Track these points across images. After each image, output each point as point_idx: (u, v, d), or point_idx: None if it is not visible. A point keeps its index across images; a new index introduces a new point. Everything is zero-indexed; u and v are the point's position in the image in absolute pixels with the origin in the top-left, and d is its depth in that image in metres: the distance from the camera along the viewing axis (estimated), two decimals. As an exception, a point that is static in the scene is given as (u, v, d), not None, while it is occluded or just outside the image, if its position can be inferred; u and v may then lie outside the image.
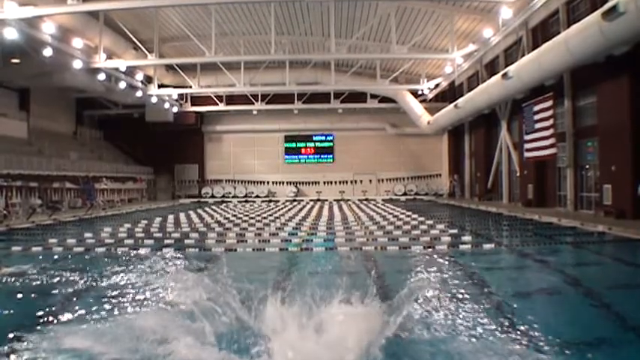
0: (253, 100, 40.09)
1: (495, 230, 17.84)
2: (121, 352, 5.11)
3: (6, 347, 5.41)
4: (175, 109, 40.37)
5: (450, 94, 37.39)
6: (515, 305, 7.21)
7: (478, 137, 35.41)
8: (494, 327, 6.06)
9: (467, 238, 14.67)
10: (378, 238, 15.19)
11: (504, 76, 22.85)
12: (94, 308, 6.98)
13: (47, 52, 23.30)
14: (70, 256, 12.27)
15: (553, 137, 21.90)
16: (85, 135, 40.17)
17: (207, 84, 36.72)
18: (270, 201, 39.61)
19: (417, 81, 35.76)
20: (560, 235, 15.27)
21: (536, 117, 23.09)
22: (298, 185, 43.71)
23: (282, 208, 29.54)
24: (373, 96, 40.17)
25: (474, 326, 6.09)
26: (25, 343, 5.47)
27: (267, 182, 43.97)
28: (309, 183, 44.03)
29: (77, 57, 25.12)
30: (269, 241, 14.94)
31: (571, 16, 21.11)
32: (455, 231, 16.23)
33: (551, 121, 21.96)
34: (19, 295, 8.30)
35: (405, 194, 41.89)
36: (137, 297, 7.70)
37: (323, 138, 44.20)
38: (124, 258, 11.71)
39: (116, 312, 6.79)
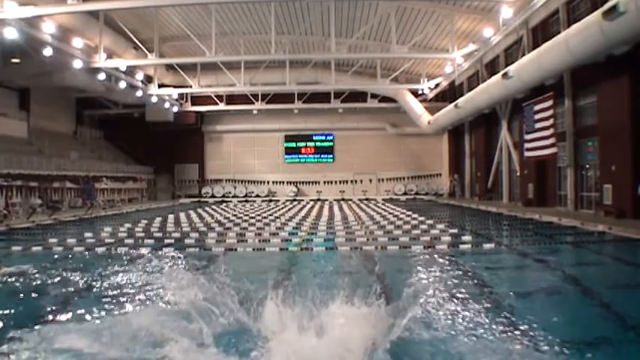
0: (253, 100, 40.09)
1: (495, 230, 17.84)
2: (118, 352, 5.10)
3: (5, 347, 5.40)
4: (175, 109, 40.38)
5: (451, 93, 37.39)
6: (515, 305, 7.20)
7: (478, 137, 35.41)
8: (494, 327, 6.05)
9: (467, 237, 14.67)
10: (379, 237, 15.18)
11: (505, 75, 22.84)
12: (92, 308, 6.96)
13: (47, 51, 23.29)
14: (70, 256, 12.28)
15: (553, 137, 21.90)
16: (85, 135, 40.17)
17: (207, 84, 36.72)
18: (270, 201, 39.61)
19: (417, 81, 35.74)
20: (561, 235, 15.27)
21: (537, 116, 23.09)
22: (298, 185, 43.71)
23: (282, 208, 29.54)
24: (373, 95, 40.18)
25: (474, 326, 6.08)
26: (24, 343, 5.47)
27: (268, 182, 43.98)
28: (309, 183, 44.03)
29: (77, 57, 25.12)
30: (269, 240, 14.94)
31: (571, 15, 21.10)
32: (455, 231, 16.23)
33: (551, 121, 21.95)
34: (19, 295, 8.30)
35: (405, 194, 41.89)
36: (136, 297, 7.69)
37: (323, 138, 44.19)
38: (124, 258, 11.71)
39: (115, 312, 6.78)
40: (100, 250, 12.96)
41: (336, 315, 5.43)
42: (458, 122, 35.54)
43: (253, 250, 13.28)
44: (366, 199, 38.85)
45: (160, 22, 27.70)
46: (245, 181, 44.03)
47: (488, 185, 32.95)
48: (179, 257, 11.90)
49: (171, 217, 23.10)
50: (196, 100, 41.70)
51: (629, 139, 17.80)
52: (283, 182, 43.92)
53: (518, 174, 28.21)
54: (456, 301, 7.39)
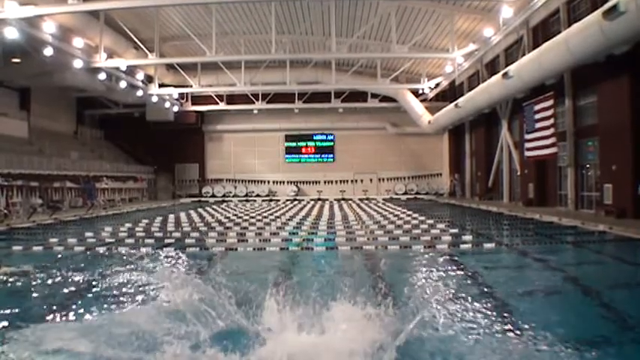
0: (254, 100, 40.08)
1: (496, 229, 17.83)
2: (114, 352, 5.11)
3: (5, 346, 5.41)
4: (176, 109, 40.39)
5: (451, 93, 37.38)
6: (515, 304, 7.21)
7: (479, 136, 35.40)
8: (494, 326, 6.06)
9: (467, 237, 14.67)
10: (379, 237, 15.18)
11: (505, 75, 22.84)
12: (92, 308, 6.97)
13: (48, 51, 23.31)
14: (70, 256, 12.29)
15: (554, 136, 21.89)
16: (86, 134, 40.20)
17: (207, 83, 36.73)
18: (270, 200, 39.62)
19: (417, 80, 35.72)
20: (561, 235, 15.27)
21: (537, 116, 23.08)
22: (299, 184, 43.73)
23: (282, 208, 29.55)
24: (374, 95, 40.17)
25: (474, 326, 6.08)
26: (22, 342, 5.47)
27: (268, 182, 43.99)
28: (309, 182, 44.04)
29: (78, 56, 25.14)
30: (270, 240, 14.94)
31: (571, 15, 21.09)
32: (455, 230, 16.23)
33: (551, 121, 21.95)
34: (19, 295, 8.32)
35: (405, 193, 41.90)
36: (135, 297, 7.68)
37: (323, 137, 44.20)
38: (124, 257, 11.72)
39: (113, 312, 6.78)
40: (101, 249, 12.97)
41: (339, 316, 5.42)
42: (458, 122, 35.54)
43: (254, 249, 13.29)
44: (367, 199, 38.85)
45: (161, 22, 27.71)
46: (245, 181, 44.05)
47: (489, 185, 32.94)
48: (179, 257, 11.92)
49: (171, 216, 23.11)
50: (197, 99, 41.72)
51: (629, 138, 17.80)
52: (284, 182, 43.94)
53: (518, 174, 28.21)
54: (456, 300, 7.39)
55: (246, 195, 42.73)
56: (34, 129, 31.26)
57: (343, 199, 39.53)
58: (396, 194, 41.93)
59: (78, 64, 25.50)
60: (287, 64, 32.21)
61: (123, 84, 31.19)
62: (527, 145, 24.41)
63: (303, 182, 44.02)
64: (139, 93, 33.60)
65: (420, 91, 37.21)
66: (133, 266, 10.43)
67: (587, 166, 21.73)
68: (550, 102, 22.11)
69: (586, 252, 12.78)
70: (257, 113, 41.55)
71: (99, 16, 24.85)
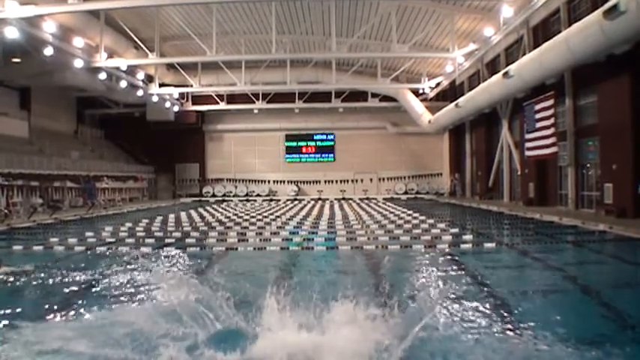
0: (254, 99, 40.07)
1: (496, 229, 17.82)
2: (111, 353, 5.12)
3: (5, 346, 5.41)
4: (176, 108, 40.39)
5: (451, 93, 37.36)
6: (515, 304, 7.21)
7: (479, 136, 35.40)
8: (494, 326, 6.07)
9: (468, 237, 14.67)
10: (379, 237, 15.18)
11: (505, 75, 22.83)
12: (91, 308, 6.97)
13: (48, 51, 23.30)
14: (70, 255, 12.30)
15: (554, 136, 21.88)
16: (86, 134, 40.22)
17: (208, 83, 36.73)
18: (271, 200, 39.61)
19: (417, 80, 35.73)
20: (562, 234, 15.27)
21: (537, 116, 23.07)
22: (299, 184, 43.74)
23: (283, 207, 29.56)
24: (374, 95, 40.16)
25: (475, 325, 6.09)
26: (23, 342, 5.48)
27: (268, 181, 43.99)
28: (310, 182, 44.04)
29: (78, 56, 25.14)
30: (270, 240, 14.95)
31: (572, 15, 21.08)
32: (456, 230, 16.22)
33: (552, 120, 21.93)
34: (19, 294, 8.32)
35: (406, 193, 41.90)
36: (134, 297, 7.68)
37: (324, 137, 44.20)
38: (124, 257, 11.72)
39: (112, 313, 6.77)
40: (101, 249, 12.98)
41: (340, 316, 5.41)
42: (458, 121, 35.53)
43: (254, 249, 13.29)
44: (367, 199, 38.85)
45: (161, 22, 27.70)
46: (246, 181, 44.05)
47: (489, 184, 32.94)
48: (180, 256, 11.92)
49: (172, 216, 23.11)
50: (197, 99, 41.73)
51: (629, 138, 17.80)
52: (284, 182, 43.94)
53: (519, 173, 28.21)
54: (456, 300, 7.40)
55: (247, 195, 42.73)
56: (34, 129, 31.26)
57: (343, 198, 39.53)
58: (397, 194, 41.93)
59: (78, 63, 25.51)
60: (287, 64, 32.20)
61: (123, 84, 31.19)
62: (528, 144, 24.40)
63: (304, 182, 44.03)
64: (140, 93, 33.60)
65: (421, 91, 37.21)
66: (132, 266, 10.44)
67: (588, 165, 21.73)
68: (550, 101, 22.10)
69: (586, 251, 12.77)
70: (257, 113, 41.55)
71: (99, 15, 24.85)
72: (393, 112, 41.50)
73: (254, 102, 40.12)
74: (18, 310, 7.03)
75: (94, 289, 8.47)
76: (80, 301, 7.50)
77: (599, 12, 15.11)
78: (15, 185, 24.09)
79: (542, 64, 19.63)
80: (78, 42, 24.78)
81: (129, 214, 26.52)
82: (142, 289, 8.14)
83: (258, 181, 44.08)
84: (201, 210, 27.65)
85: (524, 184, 26.96)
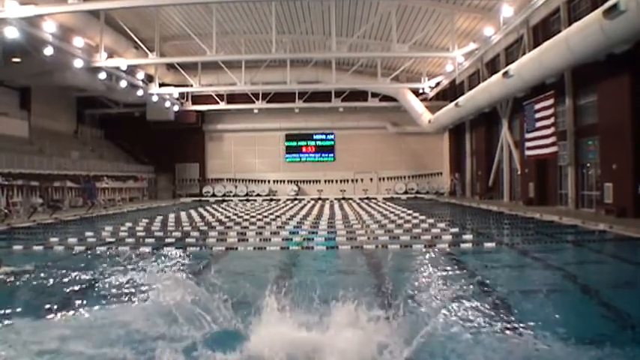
0: (254, 99, 40.07)
1: (496, 229, 17.82)
2: (108, 352, 5.12)
3: (4, 345, 5.41)
4: (176, 108, 40.39)
5: (451, 92, 37.36)
6: (515, 303, 7.21)
7: (479, 136, 35.40)
8: (495, 325, 6.06)
9: (468, 236, 14.66)
10: (379, 236, 15.18)
11: (505, 74, 22.82)
12: (90, 308, 6.96)
13: (48, 51, 23.31)
14: (70, 255, 12.30)
15: (554, 136, 21.88)
16: (86, 134, 40.22)
17: (208, 83, 36.72)
18: (271, 200, 39.61)
19: (417, 79, 35.72)
20: (562, 234, 15.27)
21: (537, 115, 23.07)
22: (299, 184, 43.74)
23: (283, 207, 29.56)
24: (374, 94, 40.16)
25: (476, 324, 6.09)
26: (22, 341, 5.48)
27: (268, 181, 43.99)
28: (310, 182, 44.05)
29: (78, 56, 25.14)
30: (270, 239, 14.95)
31: (572, 14, 21.07)
32: (456, 229, 16.22)
33: (552, 120, 21.93)
34: (19, 294, 8.32)
35: (406, 193, 41.90)
36: (133, 298, 7.67)
37: (324, 137, 44.21)
38: (124, 257, 11.70)
39: (111, 313, 6.76)
40: (101, 249, 12.98)
41: (341, 316, 5.40)
42: (458, 121, 35.52)
43: (254, 249, 13.28)
44: (367, 198, 38.85)
45: (161, 22, 27.70)
46: (246, 180, 44.05)
47: (489, 184, 32.94)
48: (180, 256, 11.92)
49: (172, 216, 23.12)
50: (197, 99, 41.73)
51: (629, 137, 17.79)
52: (284, 181, 43.95)
53: (519, 173, 28.20)
54: (456, 299, 7.40)
55: (247, 194, 42.73)
56: (34, 128, 31.26)
57: (343, 198, 39.52)
58: (397, 193, 41.94)
59: (78, 63, 25.51)
60: (287, 64, 32.20)
61: (123, 83, 31.20)
62: (528, 144, 24.40)
63: (304, 182, 44.04)
64: (140, 92, 33.60)
65: (421, 91, 37.21)
66: (132, 266, 10.44)
67: (588, 165, 21.72)
68: (550, 101, 22.09)
69: (586, 251, 12.78)
70: (257, 113, 41.57)
71: (99, 15, 24.84)
72: (393, 112, 41.50)
73: (254, 102, 40.12)
74: (17, 310, 7.02)
75: (93, 289, 8.46)
76: (79, 302, 7.48)
77: (599, 11, 15.10)
78: (15, 185, 24.09)
79: (542, 63, 19.62)
80: (78, 42, 24.78)
81: (129, 213, 26.52)
82: (140, 289, 8.11)
83: (258, 181, 44.08)
84: (201, 210, 27.65)
85: (524, 184, 26.96)
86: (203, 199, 41.32)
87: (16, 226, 18.93)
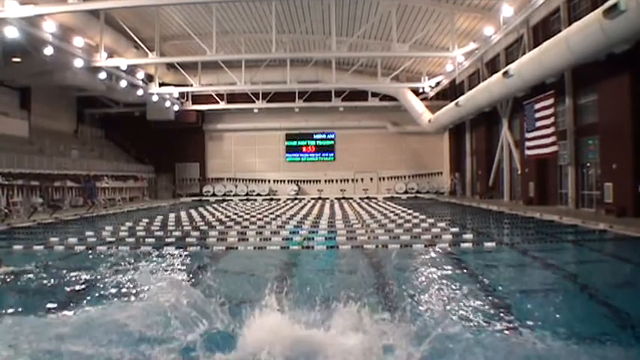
0: (254, 99, 40.09)
1: (496, 228, 17.84)
2: (112, 352, 5.13)
3: (4, 345, 5.41)
4: (176, 108, 40.40)
5: (451, 92, 37.38)
6: (516, 303, 7.22)
7: (479, 135, 35.40)
8: (494, 324, 6.07)
9: (468, 236, 14.66)
10: (380, 236, 15.18)
11: (505, 74, 22.82)
12: (89, 308, 6.95)
13: (48, 50, 23.32)
14: (70, 255, 12.31)
15: (554, 135, 21.87)
16: (86, 133, 40.23)
17: (208, 82, 36.72)
18: (271, 199, 39.60)
19: (418, 79, 35.73)
20: (562, 234, 15.26)
21: (538, 115, 23.06)
22: (299, 183, 43.75)
23: (283, 207, 29.55)
24: (374, 94, 40.17)
25: (475, 324, 6.09)
26: (21, 341, 5.48)
27: (269, 181, 43.98)
28: (310, 181, 44.05)
29: (78, 56, 25.16)
30: (270, 239, 14.95)
31: (572, 14, 21.06)
32: (456, 229, 16.21)
33: (552, 119, 21.93)
34: (18, 294, 8.33)
35: (406, 192, 41.89)
36: (134, 297, 7.66)
37: (324, 136, 44.21)
38: (124, 257, 11.72)
39: (110, 313, 6.76)
40: (101, 248, 12.98)
41: (341, 315, 5.40)
42: (459, 121, 35.51)
43: (254, 248, 13.29)
44: (367, 198, 38.86)
45: (161, 21, 27.70)
46: (246, 180, 44.05)
47: (489, 184, 32.95)
48: (180, 256, 11.93)
49: (172, 215, 23.13)
50: (197, 98, 41.74)
51: (629, 137, 17.79)
52: (284, 181, 43.95)
53: (519, 172, 28.20)
54: (456, 299, 7.41)
55: (247, 194, 42.74)
56: (34, 128, 31.26)
57: (344, 198, 39.53)
58: (397, 193, 41.94)
59: (78, 63, 25.53)
60: (287, 63, 32.18)
61: (123, 83, 31.22)
62: (528, 143, 24.39)
63: (304, 181, 44.05)
64: (140, 92, 33.62)
65: (421, 90, 37.21)
66: (132, 266, 10.44)
67: (588, 164, 21.72)
68: (550, 101, 22.09)
69: (586, 251, 12.78)
70: (257, 112, 41.60)
71: (99, 15, 24.85)
72: (393, 112, 41.50)
73: (254, 101, 40.15)
74: (17, 309, 7.03)
75: (93, 289, 8.46)
76: (79, 301, 7.49)
77: (599, 11, 15.11)
78: (15, 185, 24.10)
79: (542, 63, 19.63)
80: (78, 42, 24.79)
81: (129, 213, 26.53)
82: (140, 289, 8.13)
83: (259, 181, 44.08)
84: (201, 209, 27.65)
85: (525, 184, 26.96)
86: (203, 198, 41.34)
87: (17, 226, 18.93)
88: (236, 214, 24.44)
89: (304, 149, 44.30)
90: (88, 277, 9.35)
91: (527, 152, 24.73)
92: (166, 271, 9.98)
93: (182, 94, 39.89)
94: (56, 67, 26.90)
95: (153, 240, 14.65)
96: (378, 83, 35.26)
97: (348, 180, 43.78)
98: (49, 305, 7.26)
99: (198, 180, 44.24)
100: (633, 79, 17.64)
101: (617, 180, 18.58)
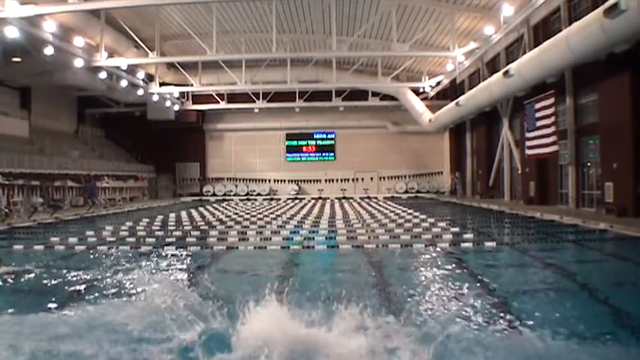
0: (254, 98, 40.10)
1: (497, 228, 17.83)
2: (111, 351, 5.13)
3: (4, 344, 5.42)
4: (177, 108, 40.39)
5: (452, 91, 37.37)
6: (516, 303, 7.22)
7: (479, 135, 35.39)
8: (495, 324, 6.07)
9: (468, 235, 14.66)
10: (380, 235, 15.18)
11: (506, 73, 22.81)
12: (89, 308, 6.95)
13: (48, 50, 23.32)
14: (71, 255, 12.31)
15: (554, 135, 21.85)
16: (87, 133, 40.24)
17: (208, 82, 36.72)
18: (271, 199, 39.62)
19: (418, 79, 35.72)
20: (562, 233, 15.25)
21: (538, 114, 23.04)
22: (300, 183, 43.75)
23: (283, 207, 29.56)
24: (374, 94, 40.15)
25: (475, 323, 6.09)
26: (21, 340, 5.48)
27: (269, 180, 43.97)
28: (310, 181, 44.05)
29: (78, 55, 25.16)
30: (270, 239, 14.95)
31: (572, 13, 21.05)
32: (456, 229, 16.20)
33: (552, 119, 21.91)
34: (18, 294, 8.34)
35: (406, 192, 41.89)
36: (133, 297, 7.65)
37: (324, 136, 44.20)
38: (124, 257, 11.73)
39: (110, 313, 6.76)
40: (102, 248, 12.98)
41: (341, 315, 5.39)
42: (459, 120, 35.50)
43: (254, 248, 13.29)
44: (368, 198, 38.89)
45: (161, 21, 27.71)
46: (246, 180, 44.05)
47: (490, 183, 32.94)
48: (180, 256, 11.93)
49: (172, 215, 23.13)
50: (197, 98, 41.74)
51: (630, 136, 17.78)
52: (284, 181, 43.95)
53: (519, 172, 28.19)
54: (456, 298, 7.41)
55: (247, 194, 42.75)
56: (34, 128, 31.27)
57: (344, 197, 39.54)
58: (397, 193, 41.94)
59: (79, 63, 25.53)
60: (288, 63, 32.18)
61: (124, 83, 31.23)
62: (528, 143, 24.37)
63: (304, 181, 44.04)
64: (140, 92, 33.63)
65: (421, 90, 37.19)
66: (132, 266, 10.45)
67: (588, 164, 21.71)
68: (551, 100, 22.07)
69: (587, 250, 12.78)
70: (258, 112, 41.61)
71: (99, 15, 24.86)
72: (393, 111, 41.50)
73: (254, 101, 40.15)
74: (17, 309, 7.03)
75: (93, 289, 8.45)
76: (79, 301, 7.49)
77: (599, 10, 15.09)
78: (15, 185, 24.09)
79: (543, 62, 19.62)
80: (78, 41, 24.79)
81: (129, 213, 26.54)
82: (139, 289, 8.12)
83: (259, 180, 44.07)
84: (201, 209, 27.66)
85: (525, 183, 26.95)
86: (203, 198, 41.36)
87: (17, 226, 18.94)
88: (236, 213, 24.44)
89: (304, 149, 44.30)
90: (88, 276, 9.35)
91: (528, 152, 24.71)
92: (166, 270, 9.99)
93: (182, 94, 39.90)
94: (56, 67, 26.90)
95: (153, 240, 14.66)
96: (378, 83, 35.27)
97: (348, 180, 43.77)
98: (50, 305, 7.26)
99: (198, 180, 44.25)
100: (633, 79, 17.62)
101: (617, 180, 18.57)
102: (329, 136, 44.14)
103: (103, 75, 29.25)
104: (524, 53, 22.93)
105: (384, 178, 43.62)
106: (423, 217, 20.27)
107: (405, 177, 43.36)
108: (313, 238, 14.93)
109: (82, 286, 8.60)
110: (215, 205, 31.88)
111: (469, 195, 37.14)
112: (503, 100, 27.95)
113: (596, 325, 6.22)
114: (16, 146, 26.74)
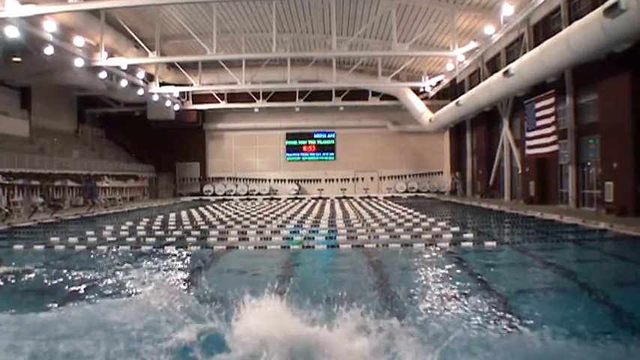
0: (255, 98, 40.09)
1: (497, 227, 17.83)
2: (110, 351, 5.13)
3: (4, 344, 5.42)
4: (177, 107, 40.39)
5: (452, 91, 37.36)
6: (516, 302, 7.22)
7: (480, 134, 35.38)
8: (495, 323, 6.07)
9: (469, 235, 14.66)
10: (380, 235, 15.19)
11: (506, 73, 22.80)
12: (88, 308, 6.95)
13: (48, 50, 23.33)
14: (71, 255, 12.31)
15: (555, 134, 21.84)
16: (87, 133, 40.24)
17: (208, 82, 36.71)
18: (271, 199, 39.62)
19: (418, 78, 35.71)
20: (562, 233, 15.26)
21: (538, 114, 23.03)
22: (300, 183, 43.75)
23: (283, 206, 29.56)
24: (375, 93, 40.14)
25: (475, 323, 6.09)
26: (20, 340, 5.48)
27: (269, 180, 43.96)
28: (310, 181, 44.04)
29: (78, 55, 25.16)
30: (270, 238, 14.95)
31: (572, 13, 21.04)
32: (457, 228, 16.20)
33: (552, 119, 21.90)
34: (18, 293, 8.33)
35: (406, 192, 41.89)
36: (133, 296, 7.64)
37: (324, 136, 44.19)
38: (124, 256, 11.73)
39: (109, 313, 6.75)
40: (102, 248, 12.99)
41: (342, 315, 5.39)
42: (459, 120, 35.49)
43: (255, 248, 13.29)
44: (368, 197, 38.88)
45: (161, 21, 27.71)
46: (246, 179, 44.06)
47: (490, 183, 32.93)
48: (180, 255, 11.93)
49: (172, 215, 23.13)
50: (198, 98, 41.73)
51: (630, 136, 17.78)
52: (285, 180, 43.94)
53: (519, 172, 28.19)
54: (456, 298, 7.40)
55: (247, 193, 42.76)
56: (35, 128, 31.28)
57: (344, 197, 39.55)
58: (397, 192, 41.94)
59: (79, 62, 25.53)
60: (288, 63, 32.16)
61: (124, 83, 31.23)
62: (529, 143, 24.37)
63: (304, 180, 44.04)
64: (140, 92, 33.64)
65: (421, 89, 37.17)
66: (132, 265, 10.45)
67: (589, 163, 21.71)
68: (551, 100, 22.07)
69: (587, 250, 12.78)
70: (258, 112, 41.60)
71: (99, 14, 24.86)
72: (393, 111, 41.48)
73: (254, 101, 40.15)
74: (17, 309, 7.03)
75: (93, 289, 8.45)
76: (79, 301, 7.49)
77: (599, 10, 15.08)
78: (16, 184, 24.10)
79: (543, 62, 19.61)
80: (78, 41, 24.80)
81: (129, 213, 26.54)
82: (140, 288, 8.12)
83: (259, 180, 44.07)
84: (201, 209, 27.67)
85: (525, 183, 26.95)
86: (204, 198, 41.37)
87: (17, 226, 18.94)
88: (236, 213, 24.45)
89: (305, 149, 44.29)
90: (88, 276, 9.35)
91: (528, 151, 24.70)
92: (166, 270, 9.99)
93: (182, 94, 39.90)
94: (57, 67, 26.90)
95: (153, 239, 14.66)
96: (378, 82, 35.27)
97: (348, 179, 43.76)
98: (50, 305, 7.26)
99: (198, 179, 44.25)
100: (634, 78, 17.62)
101: (617, 179, 18.56)
102: (329, 136, 44.14)
103: (103, 75, 29.26)
104: (525, 53, 22.93)
105: (384, 177, 43.62)
106: (423, 216, 20.28)
107: (405, 177, 43.36)
108: (313, 238, 14.93)
109: (82, 286, 8.59)
110: (215, 205, 31.88)
111: (469, 195, 37.14)
112: (504, 99, 27.94)
113: (596, 325, 6.21)
114: (16, 146, 26.76)
